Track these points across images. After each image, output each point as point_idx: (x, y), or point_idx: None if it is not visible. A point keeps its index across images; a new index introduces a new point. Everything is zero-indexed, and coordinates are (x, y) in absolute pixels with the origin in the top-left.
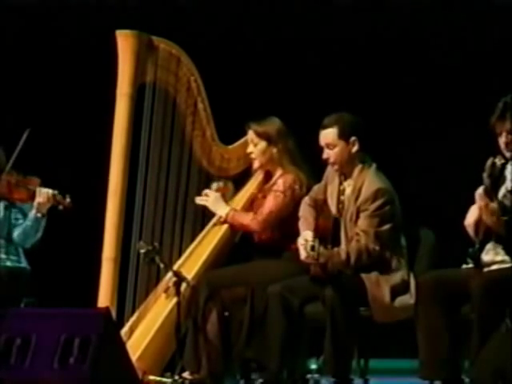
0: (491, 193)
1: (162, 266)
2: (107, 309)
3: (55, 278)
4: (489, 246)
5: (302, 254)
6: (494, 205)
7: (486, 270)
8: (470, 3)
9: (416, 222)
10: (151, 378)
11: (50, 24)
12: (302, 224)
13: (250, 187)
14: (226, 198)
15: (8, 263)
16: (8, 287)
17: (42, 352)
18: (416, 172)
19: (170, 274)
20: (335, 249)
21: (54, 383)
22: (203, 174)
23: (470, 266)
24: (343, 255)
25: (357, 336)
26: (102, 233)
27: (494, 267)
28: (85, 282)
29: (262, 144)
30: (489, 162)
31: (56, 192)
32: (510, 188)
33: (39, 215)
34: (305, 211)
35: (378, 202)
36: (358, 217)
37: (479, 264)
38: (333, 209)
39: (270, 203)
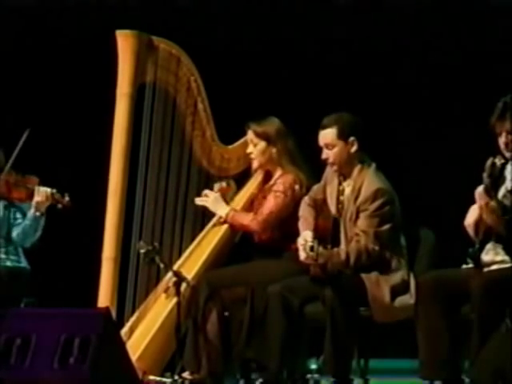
0: (491, 192)
1: (162, 266)
2: (107, 309)
3: (55, 278)
4: (489, 246)
5: (302, 255)
6: (494, 203)
7: (485, 269)
8: (470, 3)
9: (416, 221)
10: (151, 377)
11: (50, 24)
12: (301, 224)
13: (250, 187)
14: (229, 198)
15: (8, 263)
16: (8, 287)
17: (42, 352)
18: (416, 172)
19: (169, 274)
20: (335, 249)
21: (54, 383)
22: (203, 174)
23: (470, 266)
24: (343, 255)
25: (357, 336)
26: (102, 233)
27: (494, 267)
28: (85, 282)
29: (262, 144)
30: (489, 162)
31: (54, 191)
32: (509, 188)
33: (38, 214)
34: (304, 211)
35: (378, 202)
36: (357, 217)
37: (479, 264)
38: (332, 209)
39: (270, 203)
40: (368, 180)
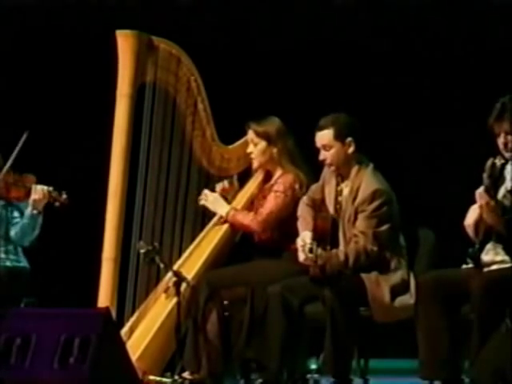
0: (491, 192)
1: (162, 266)
2: (107, 309)
3: (55, 278)
4: (489, 246)
5: (301, 256)
6: (494, 203)
7: (485, 269)
8: (470, 3)
9: (416, 222)
10: (151, 377)
11: (50, 24)
12: (300, 224)
13: (250, 187)
14: (230, 197)
15: (7, 263)
16: (8, 287)
17: (42, 352)
18: (416, 172)
19: (169, 274)
20: (333, 250)
21: (54, 383)
22: (203, 174)
23: (470, 266)
24: (341, 257)
25: (357, 336)
26: (102, 233)
27: (494, 267)
28: (85, 282)
29: (262, 144)
30: (489, 163)
31: (51, 188)
32: (509, 188)
33: (35, 212)
34: (303, 211)
35: (376, 203)
36: (355, 218)
37: (479, 264)
38: (330, 209)
39: (270, 203)
40: (366, 181)
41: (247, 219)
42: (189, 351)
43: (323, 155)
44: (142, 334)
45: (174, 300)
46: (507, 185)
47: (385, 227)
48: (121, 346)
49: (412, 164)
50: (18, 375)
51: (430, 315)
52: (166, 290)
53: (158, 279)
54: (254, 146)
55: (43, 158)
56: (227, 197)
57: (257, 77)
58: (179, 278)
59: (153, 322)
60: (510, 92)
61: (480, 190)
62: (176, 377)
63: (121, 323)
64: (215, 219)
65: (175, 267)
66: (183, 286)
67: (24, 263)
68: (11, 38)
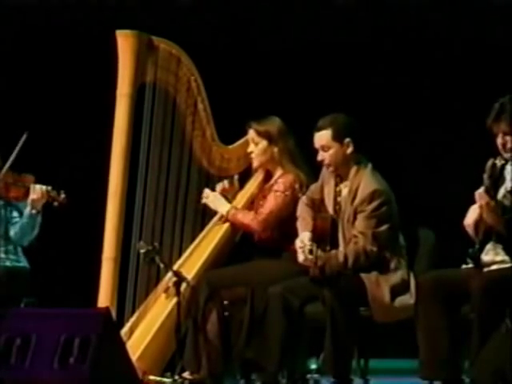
0: (491, 193)
1: (162, 266)
2: (107, 309)
3: (55, 278)
4: (489, 246)
5: (300, 257)
6: (494, 203)
7: (485, 269)
8: (471, 3)
9: (416, 221)
10: (151, 377)
11: (50, 24)
12: (299, 224)
13: (251, 187)
14: (231, 196)
15: (7, 263)
16: (7, 287)
17: (42, 352)
18: (416, 172)
19: (169, 274)
20: (333, 251)
21: (54, 383)
22: (203, 174)
23: (470, 266)
24: (341, 258)
25: (357, 336)
26: (102, 233)
27: (494, 267)
28: (85, 282)
29: (263, 143)
30: (489, 163)
31: (50, 188)
32: (509, 188)
33: (34, 212)
34: (302, 211)
35: (375, 203)
36: (355, 218)
37: (479, 264)
38: (330, 210)
39: (270, 203)
40: (365, 181)
41: (247, 218)
42: (189, 351)
43: (322, 156)
44: (141, 334)
45: (174, 300)
46: (507, 185)
47: (384, 227)
48: (121, 345)
49: (412, 164)
50: (17, 375)
51: (430, 315)
52: (166, 290)
53: (158, 279)
54: (255, 145)
55: (43, 157)
56: (228, 197)
57: (257, 77)
58: (179, 277)
59: (153, 322)
60: (509, 92)
61: (480, 191)
62: (176, 377)
63: (121, 323)
64: (215, 219)
65: (175, 267)
66: (183, 286)
67: (24, 263)
68: (11, 37)
